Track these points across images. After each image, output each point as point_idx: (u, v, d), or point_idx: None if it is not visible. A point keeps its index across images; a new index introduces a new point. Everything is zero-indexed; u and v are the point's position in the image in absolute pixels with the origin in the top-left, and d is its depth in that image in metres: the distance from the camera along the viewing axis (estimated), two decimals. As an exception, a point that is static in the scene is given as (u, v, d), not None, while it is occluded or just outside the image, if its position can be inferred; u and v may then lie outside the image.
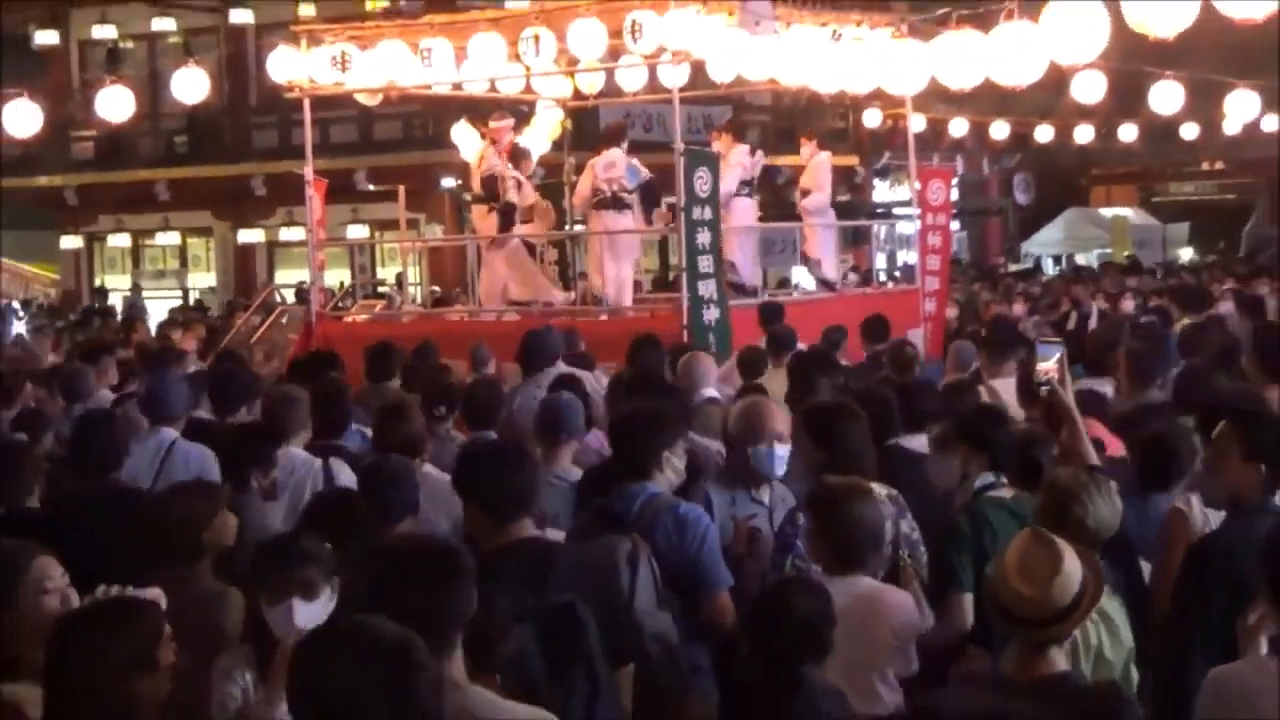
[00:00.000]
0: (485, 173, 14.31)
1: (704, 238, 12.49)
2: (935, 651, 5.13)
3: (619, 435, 5.96)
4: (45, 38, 29.83)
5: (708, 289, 12.46)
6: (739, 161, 14.40)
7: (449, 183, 24.56)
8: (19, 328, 21.69)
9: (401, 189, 18.89)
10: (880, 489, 5.60)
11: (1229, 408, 5.78)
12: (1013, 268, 32.28)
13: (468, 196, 15.52)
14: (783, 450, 6.12)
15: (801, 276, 17.65)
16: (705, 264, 12.49)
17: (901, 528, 5.68)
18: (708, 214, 12.57)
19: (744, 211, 14.36)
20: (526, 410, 8.32)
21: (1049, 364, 6.50)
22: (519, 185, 14.30)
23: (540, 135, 15.87)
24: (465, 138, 15.22)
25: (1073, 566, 3.99)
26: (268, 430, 7.01)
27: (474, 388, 8.63)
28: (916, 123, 18.25)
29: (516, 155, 14.56)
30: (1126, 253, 34.48)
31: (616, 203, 13.73)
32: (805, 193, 15.64)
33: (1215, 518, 5.52)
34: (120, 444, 6.95)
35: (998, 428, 6.15)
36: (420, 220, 23.82)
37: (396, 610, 3.58)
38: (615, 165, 13.73)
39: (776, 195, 22.15)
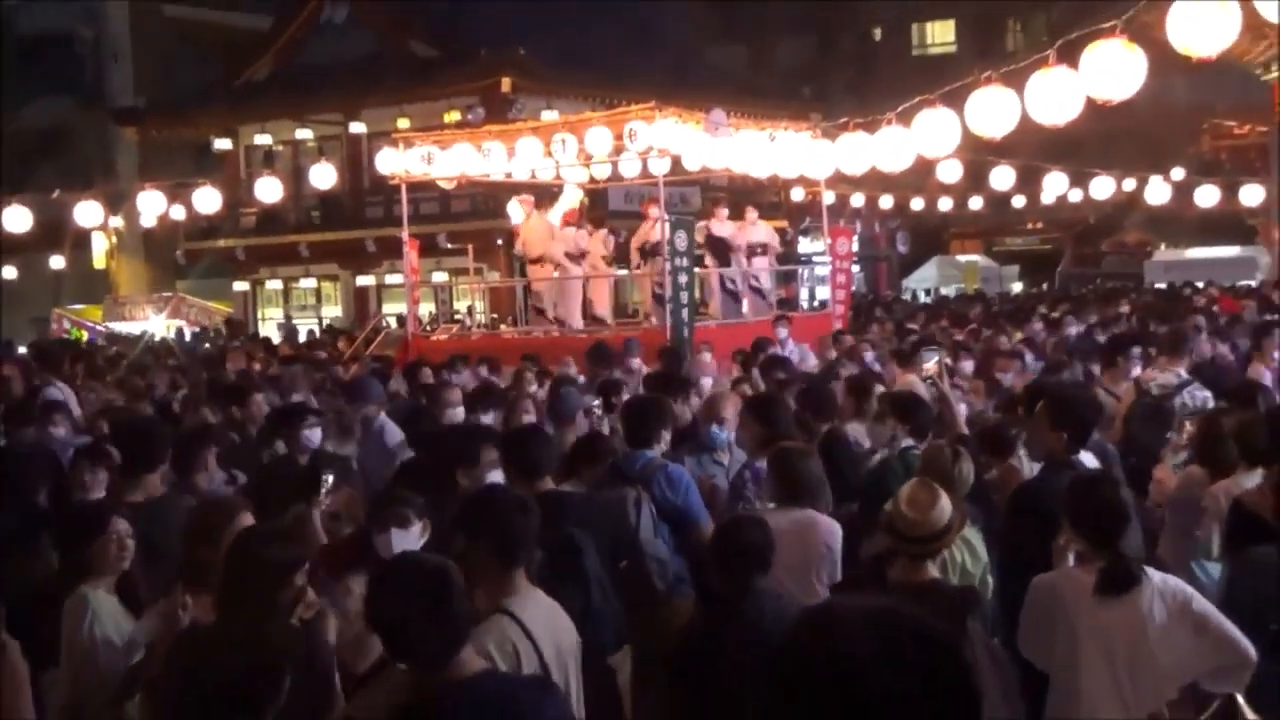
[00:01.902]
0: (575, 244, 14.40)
1: (682, 279, 12.48)
2: (876, 557, 5.13)
3: (633, 416, 5.96)
4: (222, 144, 29.82)
5: (683, 314, 12.46)
6: None
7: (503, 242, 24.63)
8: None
9: (470, 247, 18.90)
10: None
11: (1044, 393, 5.83)
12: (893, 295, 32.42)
13: (518, 251, 15.41)
14: (720, 429, 6.22)
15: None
16: (683, 297, 12.48)
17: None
18: (684, 263, 12.56)
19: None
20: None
21: (931, 364, 6.65)
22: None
23: (564, 207, 15.89)
24: (515, 211, 15.27)
25: (946, 503, 4.04)
26: (432, 412, 6.93)
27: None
28: (828, 197, 18.25)
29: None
30: (975, 286, 34.55)
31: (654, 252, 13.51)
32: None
33: (1037, 468, 5.56)
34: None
35: (919, 406, 6.16)
36: (484, 268, 23.80)
37: (480, 537, 3.61)
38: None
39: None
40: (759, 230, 15.57)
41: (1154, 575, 3.88)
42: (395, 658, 3.09)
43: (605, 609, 4.50)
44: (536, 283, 14.72)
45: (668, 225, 12.64)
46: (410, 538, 4.17)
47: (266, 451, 6.77)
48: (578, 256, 14.48)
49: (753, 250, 15.35)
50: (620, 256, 15.39)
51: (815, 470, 5.05)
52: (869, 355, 10.84)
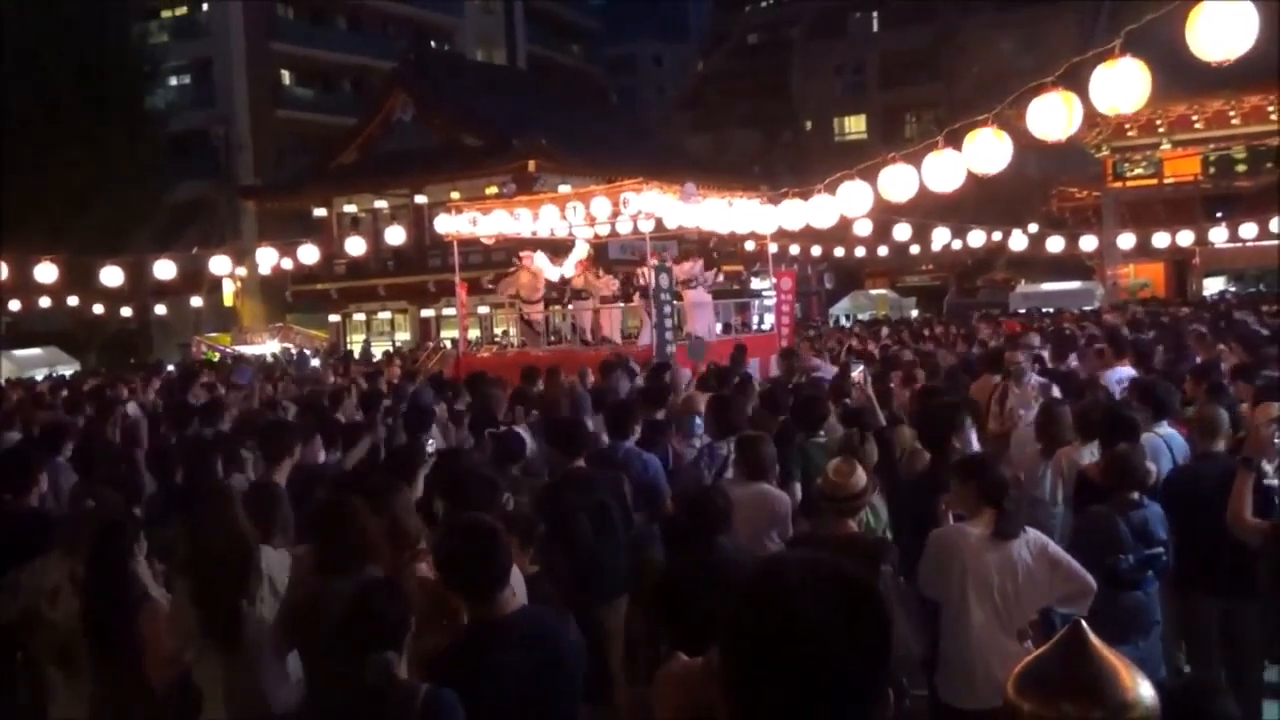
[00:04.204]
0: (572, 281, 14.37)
1: (665, 309, 12.44)
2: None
3: (615, 414, 5.85)
4: (320, 212, 29.83)
5: (667, 335, 12.41)
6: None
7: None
8: (315, 362, 21.48)
9: (507, 287, 18.74)
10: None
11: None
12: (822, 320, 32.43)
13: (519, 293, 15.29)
14: (696, 420, 6.18)
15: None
16: (667, 323, 12.44)
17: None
18: (667, 297, 12.52)
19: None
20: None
21: (856, 373, 6.62)
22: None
23: (577, 258, 15.84)
24: (541, 260, 15.23)
25: (861, 473, 4.02)
26: (486, 415, 6.62)
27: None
28: (772, 247, 18.29)
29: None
30: (884, 313, 34.55)
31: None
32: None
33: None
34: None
35: (812, 405, 6.05)
36: (515, 303, 23.72)
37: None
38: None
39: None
40: (683, 269, 14.99)
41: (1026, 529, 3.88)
42: (459, 593, 3.05)
43: (579, 564, 4.43)
44: (535, 314, 14.67)
45: (653, 271, 12.60)
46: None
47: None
48: (563, 287, 14.29)
49: (687, 284, 14.87)
50: (623, 293, 15.26)
51: (770, 453, 4.95)
52: (814, 361, 10.81)
